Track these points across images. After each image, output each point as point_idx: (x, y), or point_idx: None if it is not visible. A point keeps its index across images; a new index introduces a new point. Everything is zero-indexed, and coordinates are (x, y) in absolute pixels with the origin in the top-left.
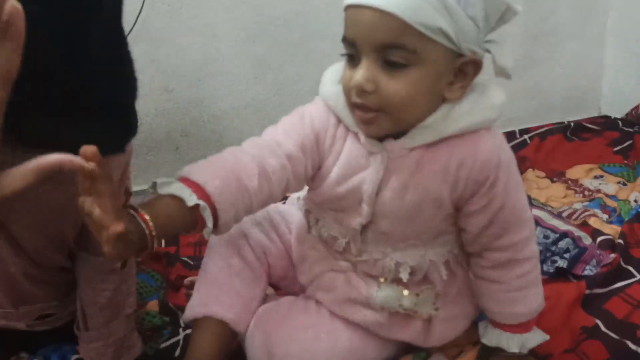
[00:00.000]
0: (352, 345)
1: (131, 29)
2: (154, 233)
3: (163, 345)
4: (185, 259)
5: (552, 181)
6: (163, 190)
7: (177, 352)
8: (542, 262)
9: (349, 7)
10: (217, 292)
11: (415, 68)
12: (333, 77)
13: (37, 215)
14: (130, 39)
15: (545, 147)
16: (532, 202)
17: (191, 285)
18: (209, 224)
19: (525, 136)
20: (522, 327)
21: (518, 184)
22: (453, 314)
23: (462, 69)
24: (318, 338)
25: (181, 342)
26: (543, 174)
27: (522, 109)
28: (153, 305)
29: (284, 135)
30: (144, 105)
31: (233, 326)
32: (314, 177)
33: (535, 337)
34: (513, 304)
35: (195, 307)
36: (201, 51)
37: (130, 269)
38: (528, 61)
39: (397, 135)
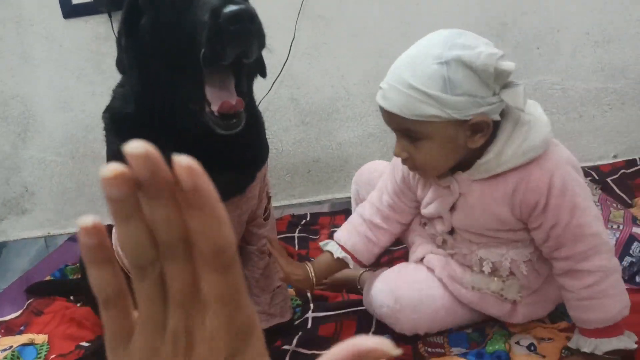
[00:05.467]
0: (450, 305)
1: (278, 74)
2: (314, 277)
3: (297, 321)
4: (312, 259)
5: None
6: (324, 247)
7: (309, 325)
8: (636, 273)
9: None
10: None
11: (427, 140)
12: None
13: None
14: (277, 83)
15: None
16: (636, 222)
17: None
18: (351, 265)
19: None
20: (596, 333)
21: (575, 205)
22: (537, 300)
23: (474, 127)
24: (431, 287)
25: (310, 320)
26: None
27: None
28: (292, 292)
29: (385, 192)
30: (285, 135)
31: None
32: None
33: (613, 343)
34: (585, 311)
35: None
36: (332, 90)
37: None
38: None
39: (465, 167)
